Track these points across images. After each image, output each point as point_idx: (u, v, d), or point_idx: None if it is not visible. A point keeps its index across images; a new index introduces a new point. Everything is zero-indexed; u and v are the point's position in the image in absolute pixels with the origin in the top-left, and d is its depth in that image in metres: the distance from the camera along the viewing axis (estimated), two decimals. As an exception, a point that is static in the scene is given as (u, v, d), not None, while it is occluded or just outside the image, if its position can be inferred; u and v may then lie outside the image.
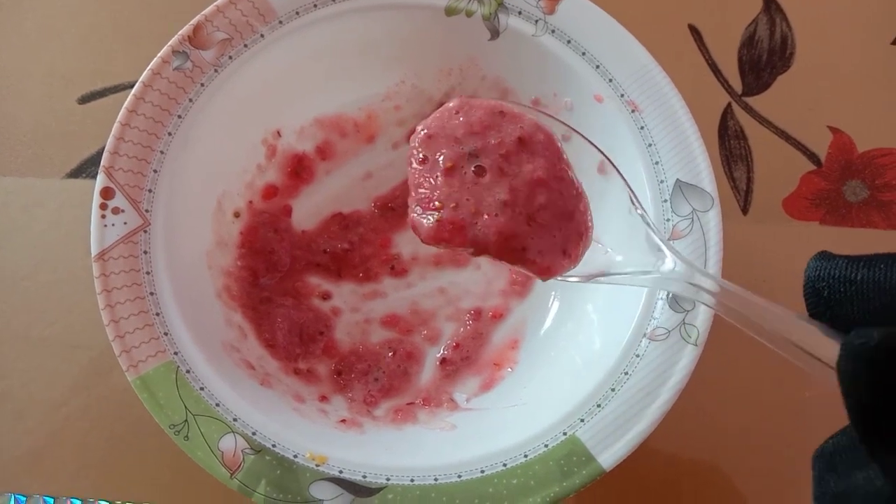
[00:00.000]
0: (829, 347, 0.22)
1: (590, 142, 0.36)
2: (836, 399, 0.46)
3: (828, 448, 0.23)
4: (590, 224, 0.33)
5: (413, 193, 0.32)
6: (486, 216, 0.31)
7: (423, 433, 0.40)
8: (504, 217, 0.31)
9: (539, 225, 0.31)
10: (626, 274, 0.34)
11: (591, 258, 0.34)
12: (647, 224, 0.33)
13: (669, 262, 0.32)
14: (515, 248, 0.31)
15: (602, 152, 0.36)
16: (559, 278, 0.33)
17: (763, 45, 0.55)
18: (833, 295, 0.22)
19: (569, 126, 0.36)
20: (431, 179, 0.32)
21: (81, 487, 0.45)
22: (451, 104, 0.33)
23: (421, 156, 0.32)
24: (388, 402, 0.42)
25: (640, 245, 0.33)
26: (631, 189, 0.35)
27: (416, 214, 0.32)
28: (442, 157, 0.32)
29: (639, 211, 0.34)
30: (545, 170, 0.32)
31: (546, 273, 0.32)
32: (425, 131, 0.33)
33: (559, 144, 0.34)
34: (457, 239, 0.31)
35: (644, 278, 0.33)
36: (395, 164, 0.48)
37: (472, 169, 0.32)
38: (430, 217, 0.31)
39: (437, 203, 0.31)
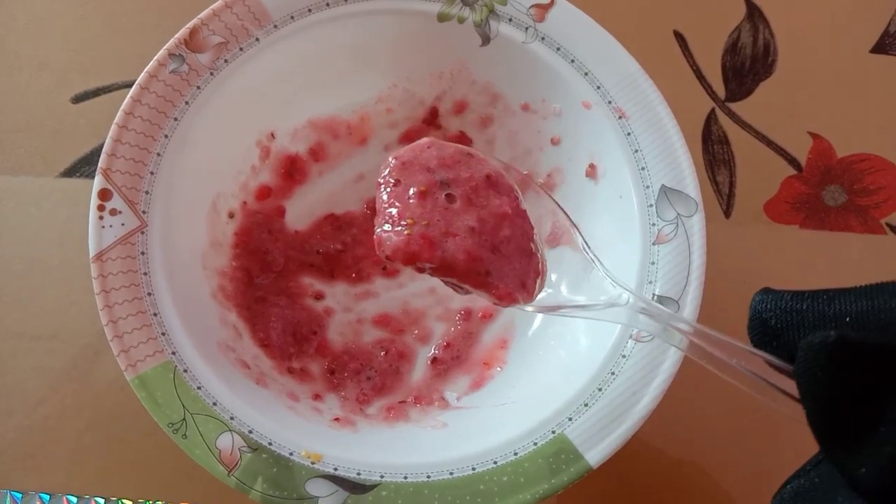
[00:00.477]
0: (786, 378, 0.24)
1: (557, 203, 0.38)
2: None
3: (787, 494, 0.25)
4: (545, 270, 0.35)
5: (381, 213, 0.33)
6: (455, 237, 0.32)
7: (415, 431, 0.41)
8: (472, 240, 0.32)
9: (502, 255, 0.33)
10: (578, 309, 0.35)
11: (546, 297, 0.36)
12: (592, 259, 0.35)
13: (619, 295, 0.33)
14: (480, 272, 0.33)
15: (562, 210, 0.38)
16: (517, 307, 0.34)
17: (746, 51, 0.56)
18: (779, 324, 0.24)
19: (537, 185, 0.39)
20: (404, 201, 0.33)
21: (78, 484, 0.45)
22: (423, 141, 0.35)
23: (394, 180, 0.34)
24: (381, 401, 0.43)
25: (592, 281, 0.35)
26: (578, 230, 0.37)
27: (383, 231, 0.33)
28: (416, 182, 0.33)
29: (589, 255, 0.36)
30: (510, 207, 0.34)
31: (505, 299, 0.33)
32: (398, 160, 0.34)
33: (518, 195, 0.36)
34: (426, 253, 0.32)
35: (595, 313, 0.34)
36: (388, 166, 0.49)
37: (444, 195, 0.33)
38: (401, 230, 0.32)
39: (409, 220, 0.32)
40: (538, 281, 0.35)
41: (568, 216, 0.37)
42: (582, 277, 0.35)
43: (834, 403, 0.21)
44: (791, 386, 0.23)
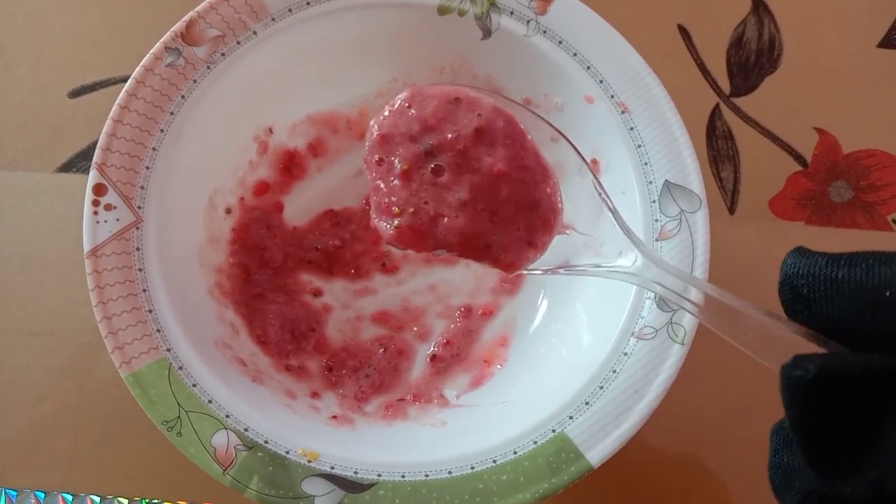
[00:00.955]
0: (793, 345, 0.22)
1: (563, 135, 0.35)
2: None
3: (785, 424, 0.23)
4: (558, 206, 0.32)
5: (371, 199, 0.32)
6: (446, 219, 0.31)
7: (414, 429, 0.40)
8: (464, 217, 0.31)
9: (502, 220, 0.31)
10: (589, 266, 0.33)
11: (559, 245, 0.33)
12: (612, 212, 0.33)
13: (632, 256, 0.31)
14: (478, 247, 0.31)
15: (571, 144, 0.35)
16: (524, 271, 0.32)
17: (751, 46, 0.56)
18: (812, 293, 0.22)
19: (535, 113, 0.35)
20: (388, 183, 0.31)
21: (73, 482, 0.45)
22: (402, 95, 0.32)
23: (376, 158, 0.32)
24: (379, 399, 0.43)
25: (608, 235, 0.33)
26: (591, 170, 0.34)
27: (377, 222, 0.31)
28: (398, 159, 0.31)
29: (602, 196, 0.33)
30: (506, 160, 0.31)
31: (510, 268, 0.32)
32: (378, 132, 0.32)
33: (521, 127, 0.32)
34: (418, 244, 0.31)
35: (606, 271, 0.32)
36: (387, 161, 0.48)
37: (430, 168, 0.31)
38: (389, 223, 0.31)
39: (395, 209, 0.31)
40: (548, 231, 0.32)
41: (578, 152, 0.34)
42: (595, 225, 0.33)
43: (819, 430, 0.21)
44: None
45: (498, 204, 0.31)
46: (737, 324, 0.26)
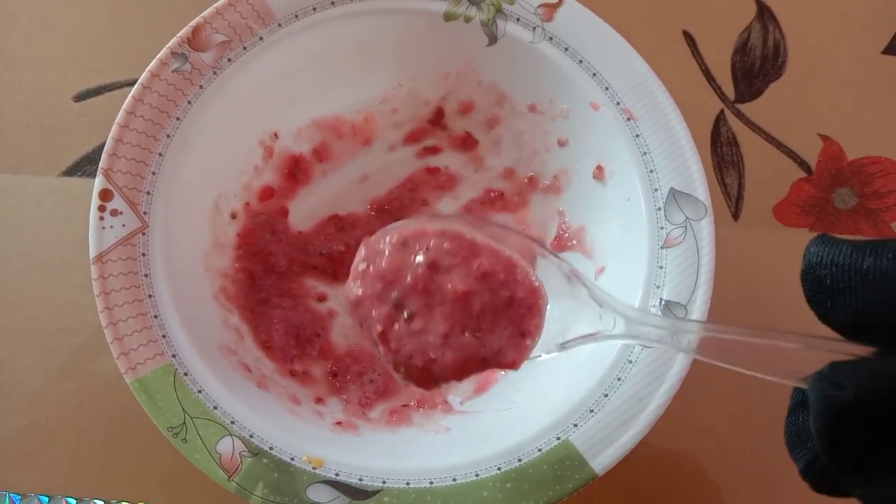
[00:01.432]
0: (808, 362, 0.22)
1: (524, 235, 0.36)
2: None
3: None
4: (535, 285, 0.33)
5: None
6: (436, 360, 0.31)
7: (418, 436, 0.40)
8: (451, 350, 0.31)
9: (486, 330, 0.32)
10: (584, 337, 0.33)
11: (553, 321, 0.34)
12: (587, 287, 0.33)
13: (617, 319, 0.32)
14: (476, 365, 0.32)
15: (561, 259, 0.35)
16: (531, 359, 0.33)
17: (756, 52, 0.56)
18: (836, 284, 0.21)
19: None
20: (376, 347, 0.33)
21: (76, 486, 0.45)
22: (359, 255, 0.34)
23: (359, 322, 0.33)
24: (383, 405, 0.43)
25: (587, 305, 0.33)
26: (564, 262, 0.35)
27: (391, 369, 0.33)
28: (375, 321, 0.32)
29: (571, 274, 0.34)
30: (463, 278, 0.32)
31: (515, 365, 0.32)
32: (349, 300, 0.33)
33: (469, 237, 0.33)
34: (432, 387, 0.32)
35: (602, 337, 0.33)
36: (392, 166, 0.49)
37: (404, 320, 0.32)
38: (400, 376, 0.33)
39: (399, 369, 0.32)
40: (535, 316, 0.33)
41: (540, 244, 0.35)
42: (578, 305, 0.34)
43: (844, 443, 0.20)
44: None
45: (475, 320, 0.32)
46: (746, 353, 0.26)
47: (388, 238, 0.33)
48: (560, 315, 0.33)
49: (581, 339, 0.33)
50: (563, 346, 0.34)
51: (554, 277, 0.34)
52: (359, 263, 0.33)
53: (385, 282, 0.32)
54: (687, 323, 0.29)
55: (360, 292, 0.33)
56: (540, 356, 0.34)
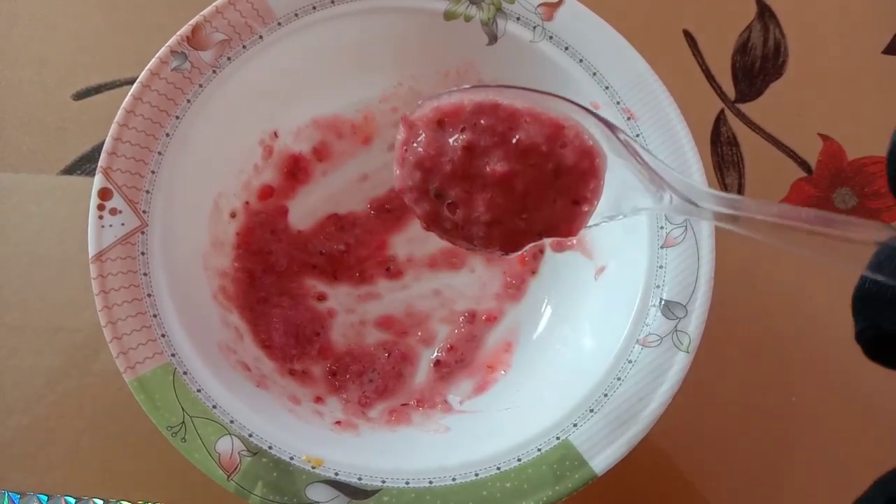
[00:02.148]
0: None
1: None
2: (821, 404, 0.47)
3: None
4: (588, 144, 0.30)
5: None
6: (485, 247, 0.31)
7: (418, 435, 0.40)
8: (499, 234, 0.31)
9: (532, 210, 0.30)
10: (641, 209, 0.31)
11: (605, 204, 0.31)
12: (640, 163, 0.30)
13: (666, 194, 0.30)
14: (531, 240, 0.31)
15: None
16: (590, 227, 0.31)
17: (756, 52, 0.56)
18: None
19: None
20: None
21: (75, 485, 0.45)
22: (399, 136, 0.32)
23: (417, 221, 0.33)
24: (383, 404, 0.43)
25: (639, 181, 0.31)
26: (618, 129, 0.31)
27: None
28: (420, 220, 0.32)
29: (622, 137, 0.31)
30: (501, 157, 0.30)
31: (572, 233, 0.31)
32: (396, 188, 0.33)
33: (494, 99, 0.30)
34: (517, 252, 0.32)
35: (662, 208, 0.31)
36: (391, 166, 0.46)
37: (447, 210, 0.31)
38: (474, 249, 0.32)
39: (470, 246, 0.32)
40: (589, 181, 0.30)
41: (589, 110, 0.31)
42: (632, 176, 0.31)
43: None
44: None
45: (520, 202, 0.30)
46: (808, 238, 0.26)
47: (424, 116, 0.31)
48: (613, 184, 0.31)
49: (632, 212, 0.31)
50: (612, 218, 0.32)
51: (605, 146, 0.31)
52: (398, 147, 0.32)
53: (423, 170, 0.31)
54: (749, 204, 0.28)
55: (399, 185, 0.32)
56: (598, 223, 0.31)
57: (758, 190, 0.52)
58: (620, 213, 0.32)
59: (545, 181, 0.30)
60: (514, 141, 0.30)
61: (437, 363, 0.45)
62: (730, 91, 0.54)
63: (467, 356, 0.45)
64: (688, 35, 0.56)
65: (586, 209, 0.30)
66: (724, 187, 0.52)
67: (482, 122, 0.30)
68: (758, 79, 0.55)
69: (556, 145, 0.30)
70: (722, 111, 0.54)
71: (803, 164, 0.53)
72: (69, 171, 0.51)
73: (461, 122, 0.30)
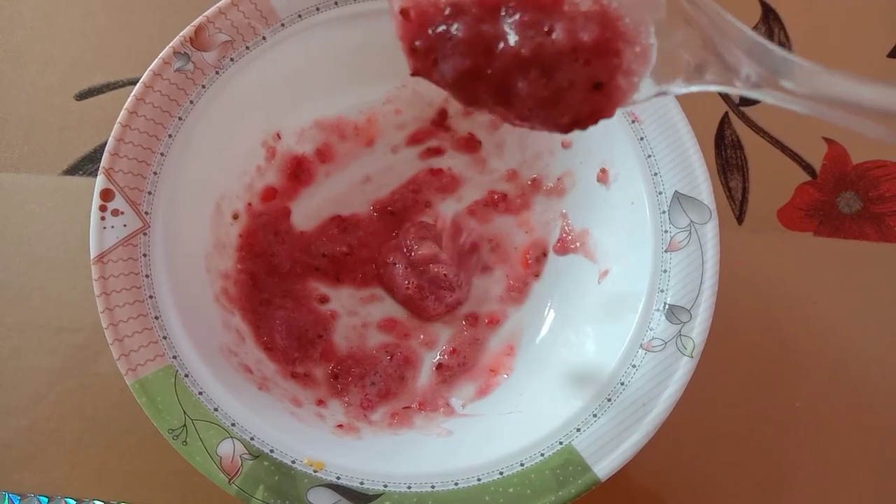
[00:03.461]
0: None
1: None
2: (826, 409, 0.47)
3: None
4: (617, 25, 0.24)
5: None
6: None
7: (420, 439, 0.40)
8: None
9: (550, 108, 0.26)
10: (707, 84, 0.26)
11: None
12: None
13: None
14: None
15: None
16: (637, 102, 0.27)
17: (761, 54, 0.55)
18: None
19: None
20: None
21: (75, 487, 0.45)
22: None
23: None
24: (385, 407, 0.43)
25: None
26: None
27: None
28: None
29: None
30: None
31: (608, 113, 0.26)
32: None
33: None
34: None
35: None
36: (395, 168, 0.48)
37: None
38: None
39: None
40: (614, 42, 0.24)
41: None
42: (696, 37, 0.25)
43: None
44: None
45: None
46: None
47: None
48: (671, 48, 0.25)
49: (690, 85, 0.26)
50: (665, 92, 0.26)
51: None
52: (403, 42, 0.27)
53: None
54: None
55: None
56: (646, 98, 0.26)
57: (762, 194, 0.52)
58: (675, 88, 0.26)
59: (563, 61, 0.24)
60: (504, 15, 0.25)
61: (440, 366, 0.45)
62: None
63: (469, 359, 0.45)
64: (692, 38, 0.56)
65: (620, 83, 0.25)
66: (729, 191, 0.52)
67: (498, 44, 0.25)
68: (762, 82, 0.55)
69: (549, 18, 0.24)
70: (726, 114, 0.54)
71: (808, 167, 0.53)
72: (71, 171, 0.51)
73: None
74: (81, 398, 0.46)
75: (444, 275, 0.45)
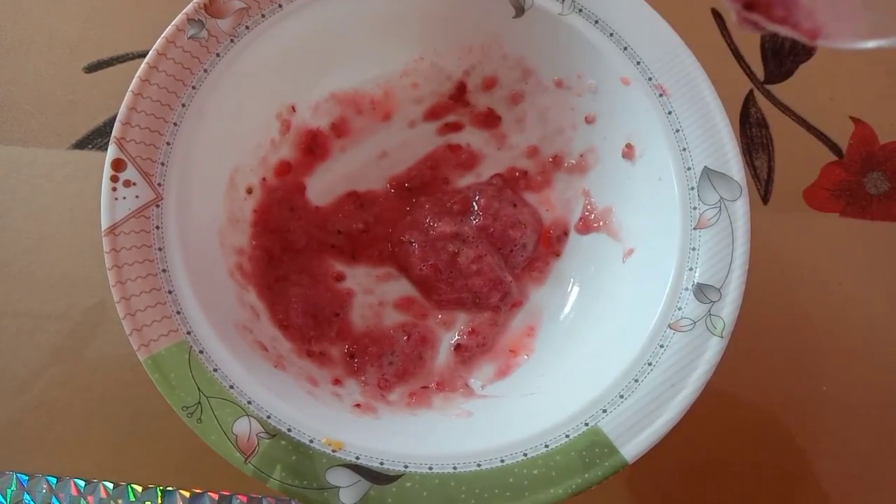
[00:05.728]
0: None
1: None
2: (853, 394, 0.46)
3: None
4: None
5: None
6: None
7: (439, 420, 0.39)
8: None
9: None
10: None
11: None
12: None
13: None
14: None
15: None
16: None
17: (786, 31, 0.54)
18: None
19: None
20: None
21: (85, 467, 0.44)
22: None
23: None
24: (402, 387, 0.42)
25: None
26: None
27: None
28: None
29: None
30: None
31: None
32: None
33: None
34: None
35: None
36: (411, 143, 0.47)
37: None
38: None
39: None
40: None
41: None
42: None
43: None
44: None
45: None
46: None
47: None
48: None
49: None
50: None
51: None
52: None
53: None
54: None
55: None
56: None
57: (788, 173, 0.50)
58: None
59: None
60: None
61: (458, 347, 0.43)
62: (759, 71, 0.53)
63: (489, 340, 0.44)
64: (716, 14, 0.54)
65: None
66: (754, 170, 0.50)
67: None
68: (787, 59, 0.53)
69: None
70: (751, 92, 0.52)
71: (834, 147, 0.51)
72: (80, 145, 0.50)
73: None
74: (91, 376, 0.45)
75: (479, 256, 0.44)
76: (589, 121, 0.44)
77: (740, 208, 0.37)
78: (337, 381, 0.40)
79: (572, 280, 0.44)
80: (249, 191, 0.43)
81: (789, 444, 0.45)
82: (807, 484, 0.45)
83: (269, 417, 0.34)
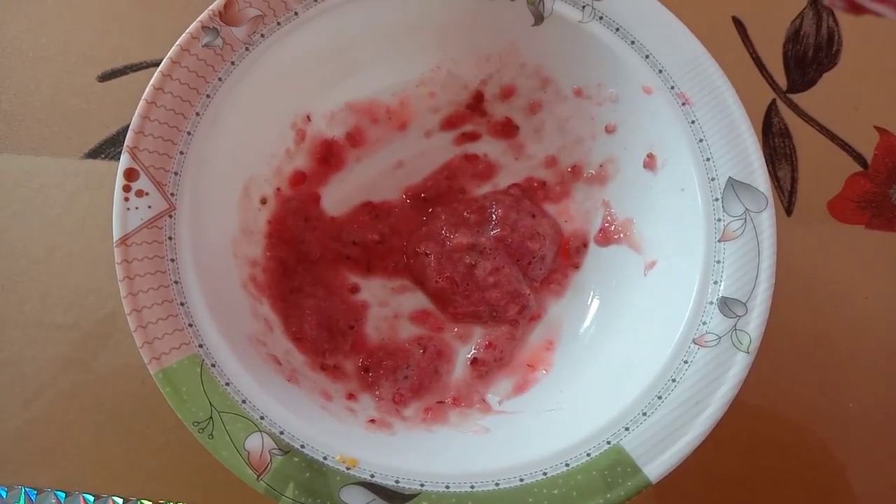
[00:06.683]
0: None
1: None
2: (880, 412, 0.44)
3: None
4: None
5: None
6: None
7: (456, 436, 0.38)
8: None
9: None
10: None
11: None
12: None
13: None
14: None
15: None
16: None
17: (809, 40, 0.53)
18: None
19: None
20: None
21: (94, 482, 0.43)
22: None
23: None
24: (418, 402, 0.41)
25: None
26: None
27: None
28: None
29: None
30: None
31: None
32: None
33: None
34: None
35: None
36: (428, 153, 0.46)
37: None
38: None
39: None
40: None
41: None
42: None
43: None
44: None
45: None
46: None
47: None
48: None
49: None
50: None
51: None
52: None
53: None
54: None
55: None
56: None
57: (812, 184, 0.49)
58: None
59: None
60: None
61: (475, 361, 0.42)
62: (781, 80, 0.52)
63: (506, 354, 0.43)
64: (737, 22, 0.53)
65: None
66: (777, 181, 0.49)
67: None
68: (811, 68, 0.52)
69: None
70: (774, 101, 0.51)
71: (858, 157, 0.50)
72: (93, 154, 0.50)
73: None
74: (100, 390, 0.45)
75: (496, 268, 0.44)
76: (609, 130, 0.43)
77: (766, 220, 0.36)
78: (351, 396, 0.39)
79: (592, 293, 0.43)
80: (263, 201, 0.42)
81: (815, 461, 0.44)
82: (834, 501, 0.44)
83: (282, 433, 0.33)
